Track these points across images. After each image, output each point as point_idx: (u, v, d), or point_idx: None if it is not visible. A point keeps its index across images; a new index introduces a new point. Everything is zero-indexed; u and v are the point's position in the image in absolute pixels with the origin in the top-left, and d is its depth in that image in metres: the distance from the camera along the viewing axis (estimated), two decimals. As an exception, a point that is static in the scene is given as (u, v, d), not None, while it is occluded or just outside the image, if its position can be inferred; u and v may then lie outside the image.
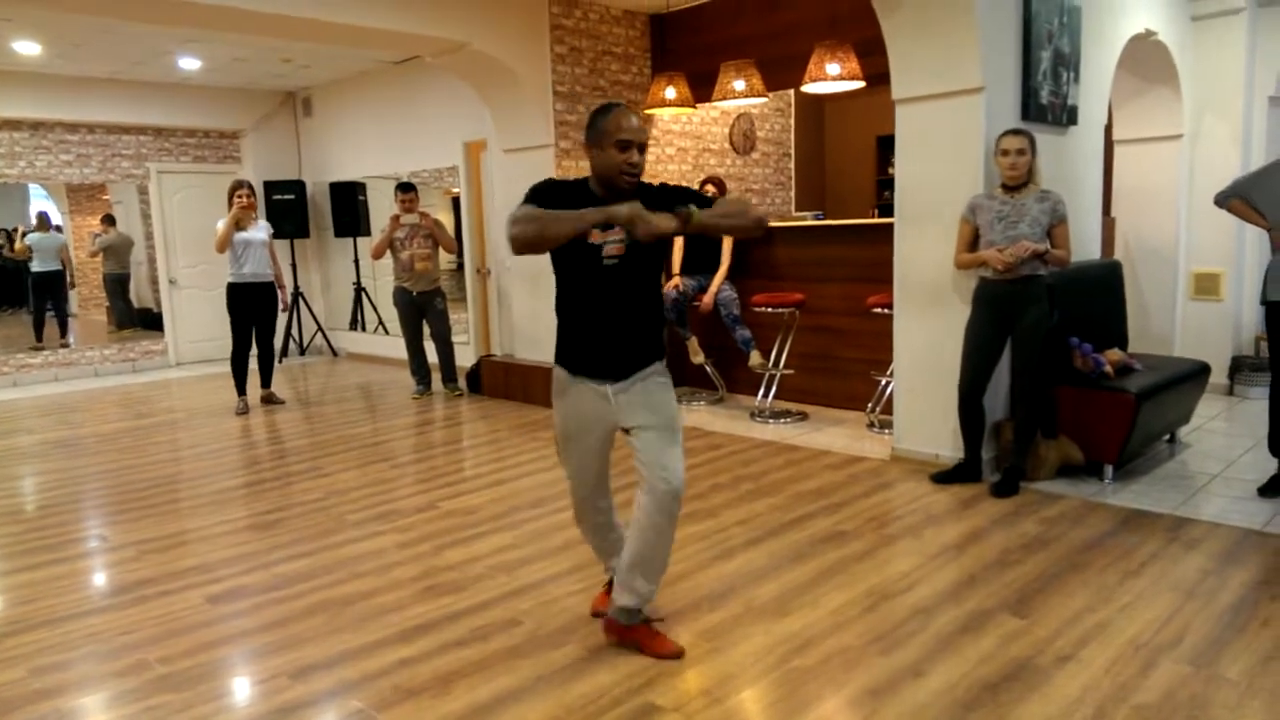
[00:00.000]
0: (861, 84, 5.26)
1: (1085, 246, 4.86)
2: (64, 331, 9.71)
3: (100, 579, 3.39)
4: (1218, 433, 4.98)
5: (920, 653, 2.55)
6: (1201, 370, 4.67)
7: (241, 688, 2.51)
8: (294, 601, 3.09)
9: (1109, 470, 4.14)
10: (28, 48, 6.91)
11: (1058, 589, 2.96)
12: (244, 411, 6.58)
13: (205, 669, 2.62)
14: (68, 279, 10.09)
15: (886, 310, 4.89)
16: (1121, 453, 4.07)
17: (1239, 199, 3.88)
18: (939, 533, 3.53)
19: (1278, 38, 5.83)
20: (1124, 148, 6.21)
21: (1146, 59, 5.66)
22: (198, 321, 9.41)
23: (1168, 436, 4.76)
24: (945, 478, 4.16)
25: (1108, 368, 4.21)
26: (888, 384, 5.18)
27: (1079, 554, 3.27)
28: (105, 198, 10.62)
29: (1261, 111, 5.96)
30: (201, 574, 3.38)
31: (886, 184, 8.84)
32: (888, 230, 5.00)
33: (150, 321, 9.88)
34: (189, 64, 7.78)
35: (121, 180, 9.07)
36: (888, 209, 8.35)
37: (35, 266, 9.72)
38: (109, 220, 10.22)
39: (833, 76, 5.17)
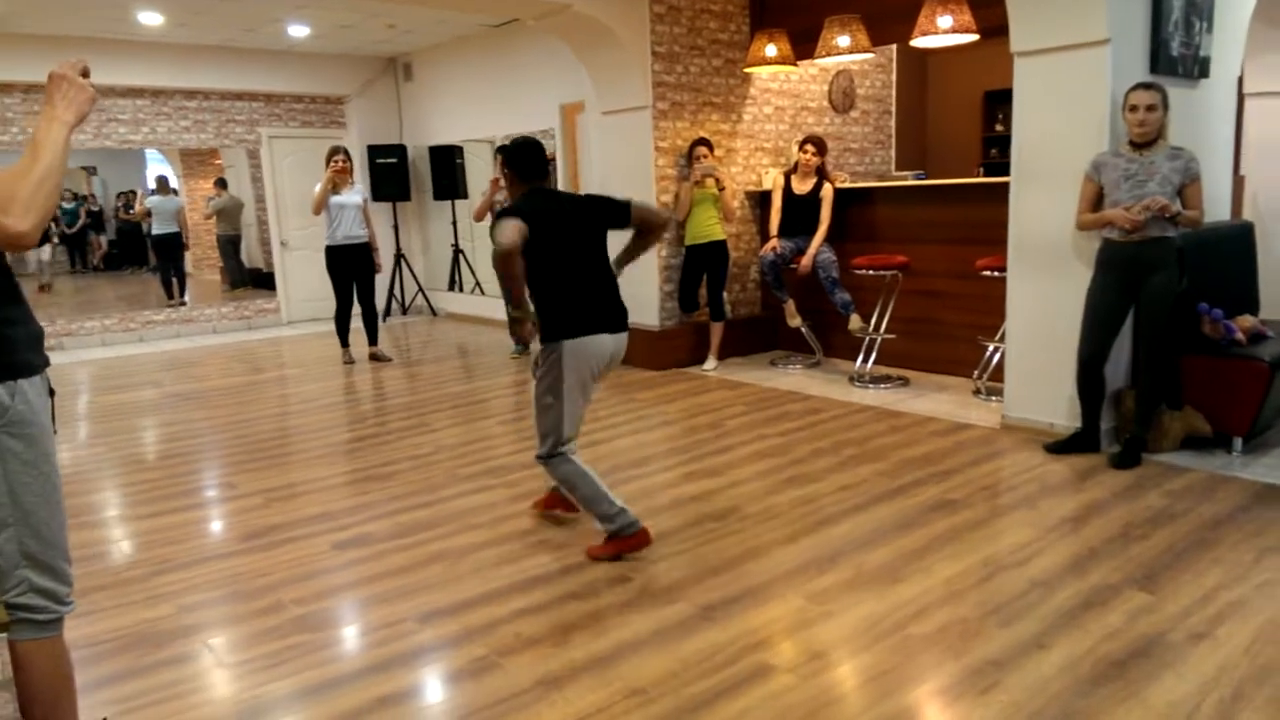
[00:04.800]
0: (974, 37, 5.05)
1: (1216, 207, 4.58)
2: (181, 291, 10.23)
3: (235, 524, 3.61)
4: (1358, 406, 4.68)
5: (1041, 625, 2.50)
6: (1343, 339, 4.38)
7: (372, 630, 2.64)
8: (415, 550, 3.22)
9: (1238, 443, 3.94)
10: (151, 18, 7.21)
11: (1187, 565, 2.86)
12: (350, 362, 6.88)
13: (337, 611, 2.76)
14: (184, 241, 10.60)
15: (997, 273, 4.73)
16: (1253, 424, 3.87)
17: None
18: (1056, 504, 3.44)
19: None
20: (1256, 101, 5.82)
21: (1290, 4, 5.27)
22: (307, 281, 9.77)
23: (1302, 409, 4.49)
24: (1060, 447, 4.03)
25: (1239, 335, 3.99)
26: (997, 349, 5.03)
27: (1209, 529, 3.13)
28: (217, 162, 11.07)
29: None
30: (326, 522, 3.56)
31: (993, 141, 8.51)
32: (997, 190, 4.83)
33: (261, 281, 10.32)
34: (298, 30, 8.00)
35: (235, 145, 9.43)
36: (994, 168, 8.08)
37: (155, 229, 10.24)
38: (221, 184, 10.67)
39: (944, 30, 4.98)
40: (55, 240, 11.14)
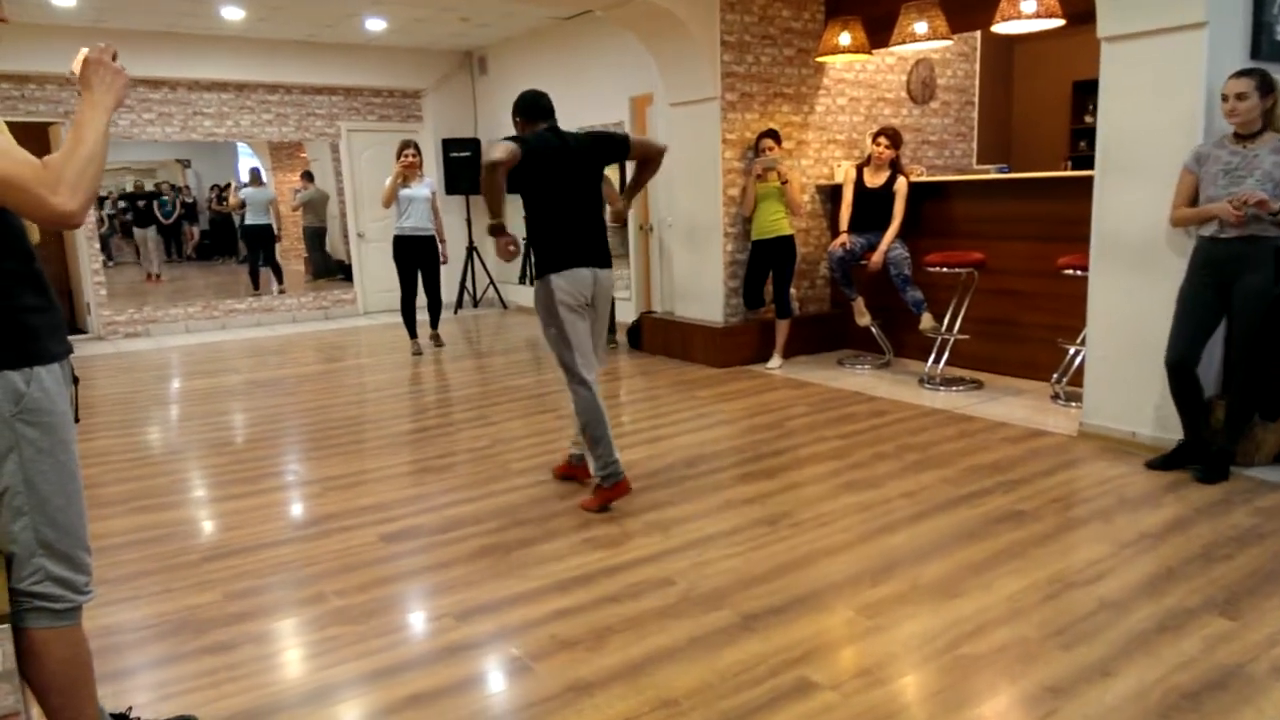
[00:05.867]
0: (1060, 22, 4.78)
1: (1327, 202, 4.23)
2: (279, 280, 10.53)
3: (290, 512, 3.67)
4: None
5: (1109, 650, 2.33)
6: None
7: (410, 625, 2.64)
8: (461, 544, 3.21)
9: (1343, 459, 3.64)
10: (233, 13, 7.43)
11: (1274, 589, 2.63)
12: (418, 353, 7.00)
13: (378, 604, 2.77)
14: (275, 232, 10.94)
15: (1079, 272, 4.48)
16: (1361, 440, 3.56)
17: None
18: (1133, 519, 3.22)
19: None
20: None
21: None
22: (383, 273, 9.96)
23: None
24: (1165, 463, 3.70)
25: (1348, 342, 3.67)
26: (1077, 352, 4.77)
27: (1303, 553, 2.89)
28: (304, 155, 11.39)
29: None
30: (378, 513, 3.59)
31: (1082, 134, 8.09)
32: (1080, 184, 4.58)
33: (345, 272, 10.58)
34: (375, 25, 8.13)
35: (316, 139, 9.67)
36: (1082, 161, 7.68)
37: (247, 219, 10.59)
38: (308, 176, 10.97)
39: (1028, 15, 4.73)
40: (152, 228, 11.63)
